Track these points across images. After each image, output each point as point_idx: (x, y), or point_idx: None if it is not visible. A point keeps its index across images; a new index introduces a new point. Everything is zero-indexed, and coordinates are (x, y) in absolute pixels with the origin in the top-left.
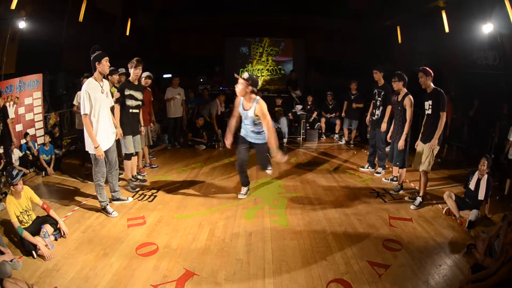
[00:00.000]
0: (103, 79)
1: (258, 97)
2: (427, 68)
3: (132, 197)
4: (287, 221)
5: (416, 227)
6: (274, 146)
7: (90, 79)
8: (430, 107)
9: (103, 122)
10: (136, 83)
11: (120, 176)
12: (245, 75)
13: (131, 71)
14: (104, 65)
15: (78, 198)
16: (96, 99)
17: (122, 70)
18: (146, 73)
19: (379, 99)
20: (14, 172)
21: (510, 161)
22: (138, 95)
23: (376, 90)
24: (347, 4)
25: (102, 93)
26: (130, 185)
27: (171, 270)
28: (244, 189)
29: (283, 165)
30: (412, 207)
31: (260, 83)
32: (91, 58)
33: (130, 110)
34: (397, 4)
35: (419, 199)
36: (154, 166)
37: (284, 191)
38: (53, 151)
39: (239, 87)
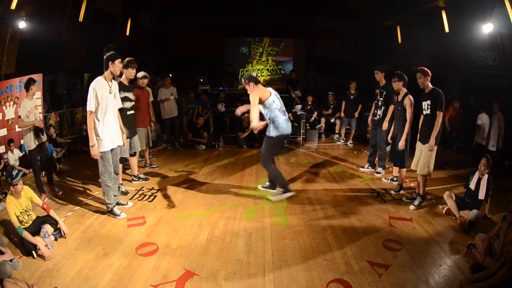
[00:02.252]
0: (112, 80)
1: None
2: (425, 69)
3: (130, 199)
4: (287, 221)
5: (416, 227)
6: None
7: (99, 77)
8: (429, 107)
9: (109, 122)
10: (127, 83)
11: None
12: (242, 81)
13: (124, 71)
14: (117, 66)
15: (78, 198)
16: (103, 98)
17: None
18: (142, 73)
19: (381, 99)
20: (14, 172)
21: (478, 145)
22: (131, 95)
23: (377, 91)
24: (347, 4)
25: (110, 93)
26: (121, 189)
27: (171, 270)
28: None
29: (283, 165)
30: (411, 207)
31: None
32: (105, 57)
33: (127, 112)
34: (397, 4)
35: (418, 199)
36: (154, 166)
37: None
38: (53, 149)
39: (248, 92)
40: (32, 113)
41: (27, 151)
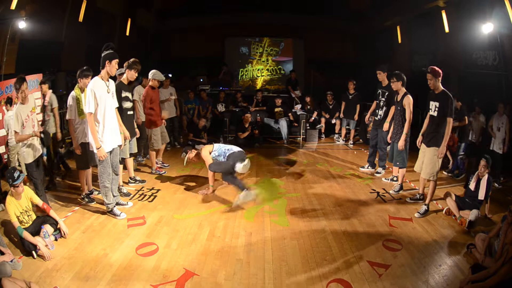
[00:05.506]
0: (109, 79)
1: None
2: (436, 68)
3: (130, 199)
4: (287, 221)
5: (416, 227)
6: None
7: (96, 77)
8: (437, 109)
9: (109, 122)
10: (127, 83)
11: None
12: (185, 158)
13: (126, 71)
14: (113, 66)
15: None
16: (101, 98)
17: (122, 70)
18: (154, 73)
19: (383, 99)
20: (16, 174)
21: (472, 142)
22: (131, 96)
23: (380, 91)
24: (347, 4)
25: (108, 92)
26: (122, 191)
27: (171, 270)
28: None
29: (283, 166)
30: (416, 215)
31: (259, 83)
32: (103, 54)
33: (128, 112)
34: (397, 4)
35: (424, 208)
36: (165, 165)
37: (284, 191)
38: (45, 153)
39: (190, 157)
40: (29, 120)
41: (22, 163)
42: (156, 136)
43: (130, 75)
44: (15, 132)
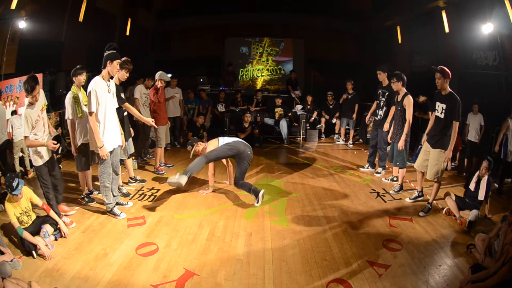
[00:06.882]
0: (110, 79)
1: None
2: (446, 69)
3: (130, 199)
4: (287, 221)
5: (416, 227)
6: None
7: (97, 77)
8: (443, 111)
9: (110, 122)
10: (119, 83)
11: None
12: (189, 148)
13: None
14: (115, 66)
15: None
16: (102, 98)
17: None
18: (161, 74)
19: (383, 99)
20: (14, 184)
21: (470, 142)
22: (123, 96)
23: (380, 91)
24: (347, 4)
25: (109, 92)
26: (122, 191)
27: (171, 270)
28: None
29: (283, 166)
30: (421, 213)
31: (259, 83)
32: (105, 54)
33: (124, 114)
34: (397, 4)
35: (428, 206)
36: (169, 165)
37: (284, 191)
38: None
39: (197, 150)
40: (40, 120)
41: (33, 165)
42: (161, 134)
43: (120, 75)
44: (25, 137)
